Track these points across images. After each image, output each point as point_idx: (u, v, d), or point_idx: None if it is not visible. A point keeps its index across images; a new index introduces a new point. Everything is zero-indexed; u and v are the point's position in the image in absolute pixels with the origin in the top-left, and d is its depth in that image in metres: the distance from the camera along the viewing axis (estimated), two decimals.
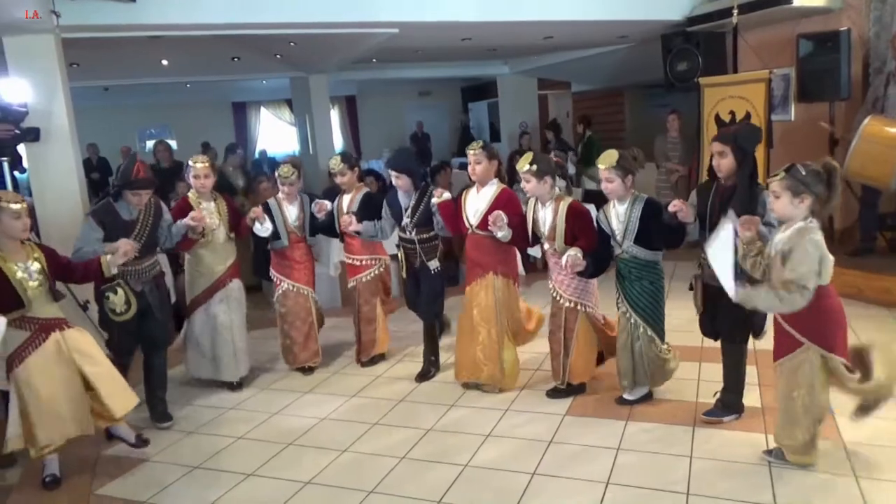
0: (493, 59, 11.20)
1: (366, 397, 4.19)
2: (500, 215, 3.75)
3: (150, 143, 12.19)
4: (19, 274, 3.16)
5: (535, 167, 3.68)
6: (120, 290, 3.72)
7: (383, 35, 6.37)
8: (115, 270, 3.49)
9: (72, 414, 3.27)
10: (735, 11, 6.05)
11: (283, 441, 3.64)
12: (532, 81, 12.38)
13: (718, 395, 3.51)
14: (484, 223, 3.90)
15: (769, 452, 3.06)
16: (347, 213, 4.47)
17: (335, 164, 4.54)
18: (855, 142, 4.98)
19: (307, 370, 4.67)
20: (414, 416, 3.85)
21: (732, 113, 6.02)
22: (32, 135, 4.74)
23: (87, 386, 3.31)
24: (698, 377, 4.00)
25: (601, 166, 3.52)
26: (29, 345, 3.19)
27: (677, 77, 7.11)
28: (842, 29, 5.62)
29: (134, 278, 3.79)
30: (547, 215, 3.78)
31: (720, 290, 3.14)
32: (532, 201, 3.89)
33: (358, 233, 4.42)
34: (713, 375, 3.80)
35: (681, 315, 4.76)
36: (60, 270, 3.40)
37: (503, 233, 3.78)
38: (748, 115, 5.90)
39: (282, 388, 4.45)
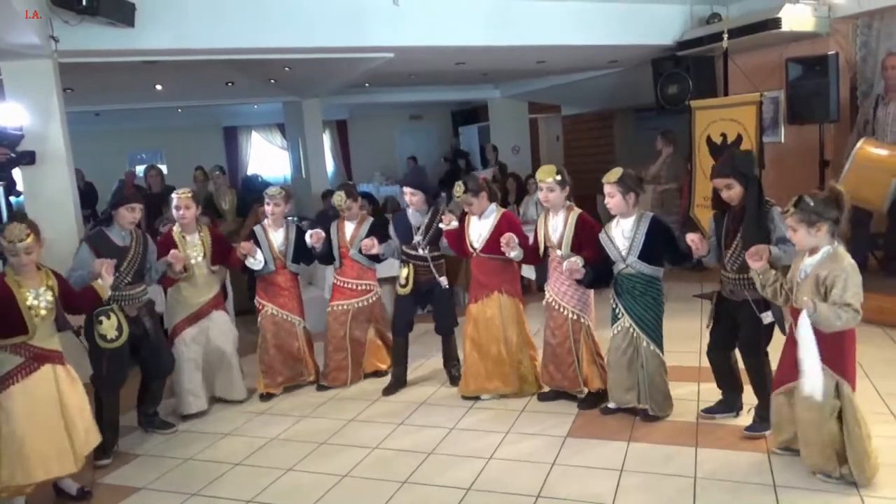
0: (484, 83, 11.31)
1: (362, 421, 4.15)
2: (512, 237, 3.92)
3: (140, 168, 12.13)
4: (30, 300, 3.09)
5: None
6: (112, 315, 3.69)
7: (379, 59, 6.43)
8: (109, 293, 3.48)
9: (48, 453, 3.10)
10: (725, 36, 6.16)
11: (280, 467, 3.59)
12: (523, 105, 12.49)
13: (753, 410, 3.52)
14: (488, 247, 4.10)
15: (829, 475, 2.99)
16: (362, 238, 4.52)
17: (340, 201, 4.57)
18: (848, 165, 5.06)
19: (266, 396, 4.59)
20: (414, 440, 3.81)
21: (724, 135, 6.10)
22: (28, 158, 4.73)
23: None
24: (698, 398, 3.99)
25: (605, 181, 3.64)
26: (18, 372, 3.09)
27: (668, 100, 7.22)
28: (830, 53, 5.73)
29: (128, 304, 3.82)
30: (558, 223, 3.93)
31: (738, 305, 3.36)
32: (543, 213, 4.05)
33: (376, 256, 4.51)
34: (712, 396, 3.80)
35: (679, 337, 4.79)
36: (68, 300, 3.32)
37: (516, 252, 3.94)
38: (739, 138, 5.98)
39: (276, 412, 4.40)
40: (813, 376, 2.78)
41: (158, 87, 9.10)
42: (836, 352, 2.86)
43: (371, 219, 4.75)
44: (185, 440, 4.05)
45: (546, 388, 4.22)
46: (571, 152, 12.73)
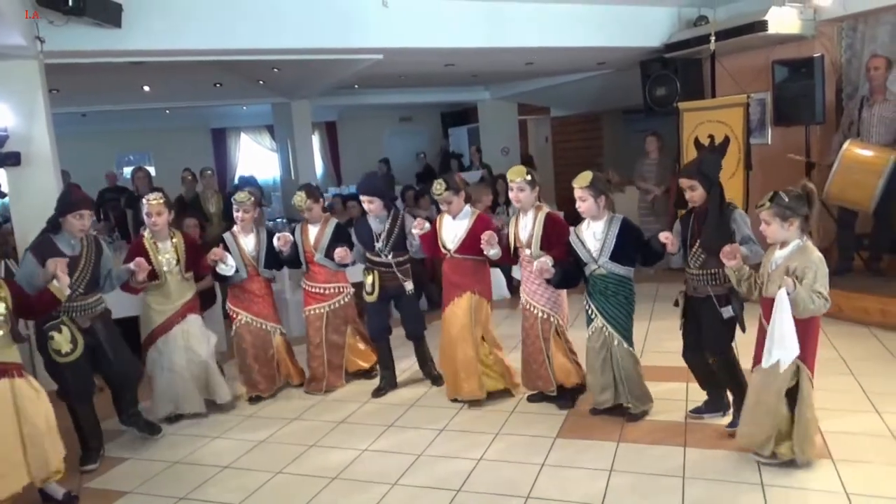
0: (473, 84, 11.33)
1: (351, 423, 4.14)
2: (493, 235, 3.95)
3: (127, 170, 12.04)
4: None
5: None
6: (65, 329, 3.52)
7: (367, 61, 6.42)
8: (67, 292, 3.33)
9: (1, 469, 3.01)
10: (712, 38, 6.21)
11: (269, 469, 3.57)
12: (512, 107, 12.52)
13: (732, 408, 3.58)
14: (463, 248, 4.12)
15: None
16: (327, 241, 4.47)
17: (300, 201, 4.45)
18: (835, 167, 5.11)
19: (255, 399, 4.56)
20: (403, 442, 3.80)
21: (711, 137, 6.14)
22: (12, 159, 4.69)
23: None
24: (686, 398, 4.01)
25: (576, 185, 3.68)
26: None
27: (656, 102, 7.26)
28: (815, 55, 5.79)
29: (80, 314, 3.64)
30: (527, 223, 3.97)
31: (702, 302, 3.45)
32: (514, 216, 4.07)
33: (345, 264, 4.47)
34: (700, 395, 3.82)
35: (668, 337, 4.80)
36: (22, 308, 3.22)
37: (495, 251, 3.96)
38: (727, 139, 6.02)
39: (265, 414, 4.39)
40: (786, 347, 2.91)
41: (146, 88, 9.07)
42: (800, 338, 2.96)
43: (335, 220, 4.63)
44: (172, 443, 4.02)
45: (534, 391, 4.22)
46: (560, 154, 12.78)
